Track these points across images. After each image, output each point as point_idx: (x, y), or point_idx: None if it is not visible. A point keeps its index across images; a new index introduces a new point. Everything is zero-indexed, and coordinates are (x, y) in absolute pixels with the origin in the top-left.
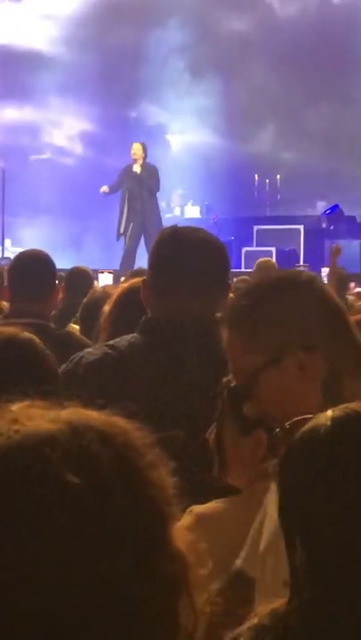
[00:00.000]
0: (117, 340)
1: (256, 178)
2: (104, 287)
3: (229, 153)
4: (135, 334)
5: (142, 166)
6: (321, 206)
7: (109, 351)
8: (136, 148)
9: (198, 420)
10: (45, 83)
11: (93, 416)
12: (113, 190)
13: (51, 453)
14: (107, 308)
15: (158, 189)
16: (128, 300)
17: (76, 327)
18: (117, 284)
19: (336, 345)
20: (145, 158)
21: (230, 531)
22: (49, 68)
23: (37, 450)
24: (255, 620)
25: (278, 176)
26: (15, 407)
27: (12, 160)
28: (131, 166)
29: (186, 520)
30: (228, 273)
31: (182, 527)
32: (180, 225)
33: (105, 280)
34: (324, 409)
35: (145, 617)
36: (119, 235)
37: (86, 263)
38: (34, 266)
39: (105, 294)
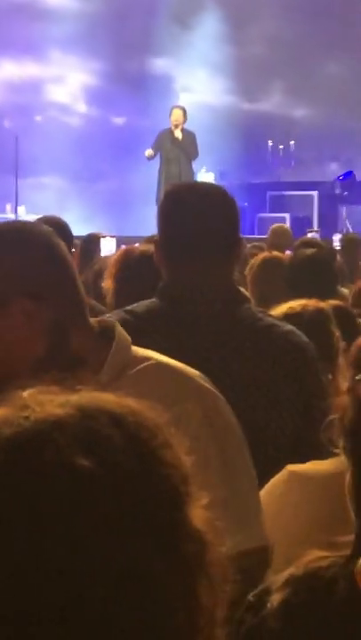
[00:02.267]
0: (135, 305)
1: (270, 144)
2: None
3: (241, 113)
4: (153, 299)
5: (183, 131)
6: (336, 168)
7: (127, 317)
8: (177, 114)
9: (218, 379)
10: (45, 34)
11: (104, 398)
12: (155, 151)
13: (60, 438)
14: (107, 283)
15: (197, 156)
16: (126, 272)
17: None
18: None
19: (61, 296)
20: (184, 123)
21: (321, 491)
22: (49, 18)
23: (47, 436)
24: (293, 571)
25: (292, 142)
26: (26, 393)
27: (15, 119)
28: (170, 131)
29: (279, 476)
30: (238, 230)
31: (273, 481)
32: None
33: (107, 245)
34: (50, 354)
35: (165, 598)
36: (158, 201)
37: (100, 228)
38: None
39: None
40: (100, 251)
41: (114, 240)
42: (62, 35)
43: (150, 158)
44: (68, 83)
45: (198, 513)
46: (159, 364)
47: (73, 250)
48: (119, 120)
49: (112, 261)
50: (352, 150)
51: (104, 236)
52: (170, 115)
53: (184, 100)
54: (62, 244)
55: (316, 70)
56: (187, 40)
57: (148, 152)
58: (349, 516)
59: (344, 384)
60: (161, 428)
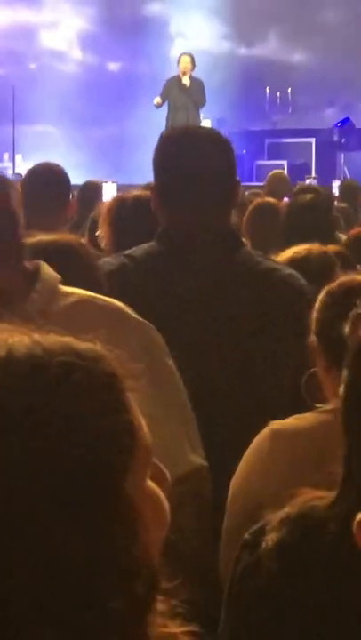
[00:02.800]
0: (134, 249)
1: (267, 91)
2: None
3: (238, 59)
4: (152, 243)
5: (190, 78)
6: (333, 114)
7: (126, 261)
8: (186, 61)
9: (218, 323)
10: None
11: (60, 343)
12: (163, 99)
13: (5, 380)
14: (101, 230)
15: (205, 103)
16: (119, 218)
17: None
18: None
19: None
20: (192, 70)
21: (305, 447)
22: None
23: None
24: (288, 511)
25: (290, 89)
26: None
27: (9, 67)
28: (177, 78)
29: (262, 434)
30: (235, 172)
31: (257, 440)
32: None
33: (110, 191)
34: None
35: (103, 557)
36: None
37: (97, 175)
38: (45, 179)
39: None
40: (101, 197)
41: (115, 185)
42: None
43: (158, 106)
44: (62, 29)
45: (140, 484)
46: (86, 299)
47: (71, 196)
48: (115, 66)
49: (105, 208)
50: (350, 96)
51: (105, 182)
52: (178, 62)
53: (180, 45)
54: (7, 194)
55: (314, 15)
56: None
57: (157, 100)
58: (334, 469)
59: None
60: (115, 385)
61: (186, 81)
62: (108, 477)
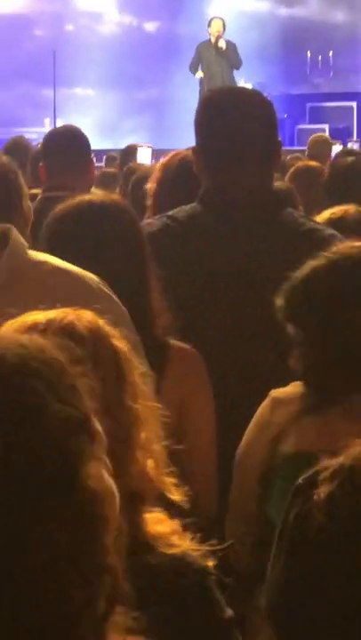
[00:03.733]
0: (177, 210)
1: (308, 54)
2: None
3: (278, 20)
4: (194, 204)
5: (225, 41)
6: None
7: (169, 222)
8: (218, 25)
9: (261, 283)
10: None
11: (15, 339)
12: (196, 66)
13: None
14: (150, 186)
15: (241, 64)
16: (171, 175)
17: None
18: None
19: None
20: (223, 33)
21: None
22: None
23: None
24: (341, 462)
25: (331, 52)
26: None
27: (46, 29)
28: (210, 42)
29: (264, 403)
30: (276, 133)
31: (260, 410)
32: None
33: (143, 155)
34: None
35: (64, 553)
36: None
37: (137, 138)
38: (65, 141)
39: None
40: (135, 161)
41: (149, 150)
42: None
43: (201, 75)
44: None
45: (95, 470)
46: (62, 270)
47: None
48: (152, 26)
49: (158, 165)
50: None
51: (141, 146)
52: (208, 26)
53: (218, 5)
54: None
55: None
56: None
57: (199, 74)
58: None
59: None
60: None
61: (222, 43)
62: (66, 465)
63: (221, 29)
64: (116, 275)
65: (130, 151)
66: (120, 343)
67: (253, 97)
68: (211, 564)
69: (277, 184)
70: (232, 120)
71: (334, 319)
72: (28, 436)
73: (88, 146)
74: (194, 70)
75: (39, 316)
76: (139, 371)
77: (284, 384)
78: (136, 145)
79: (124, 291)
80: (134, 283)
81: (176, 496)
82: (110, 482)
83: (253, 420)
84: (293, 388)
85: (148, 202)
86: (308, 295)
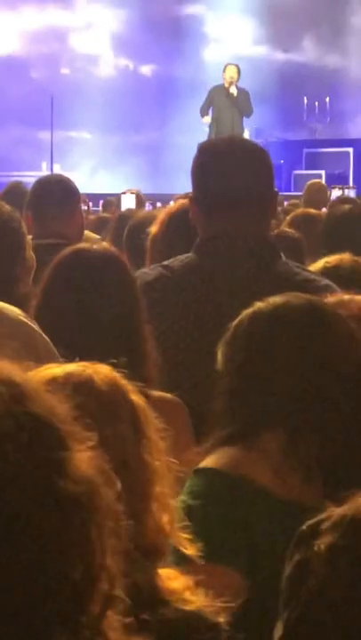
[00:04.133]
0: (172, 260)
1: (305, 100)
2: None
3: (274, 65)
4: (190, 254)
5: (237, 88)
6: None
7: (164, 272)
8: (232, 71)
9: None
10: None
11: None
12: (207, 109)
13: None
14: (153, 229)
15: (252, 113)
16: (176, 222)
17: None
18: (140, 206)
19: None
20: (238, 81)
21: None
22: None
23: None
24: (344, 512)
25: (328, 98)
26: None
27: (43, 71)
28: (223, 87)
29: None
30: (273, 182)
31: None
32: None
33: (127, 201)
34: None
35: (58, 546)
36: None
37: (133, 184)
38: (52, 188)
39: (144, 217)
40: (120, 207)
41: (133, 196)
42: None
43: (207, 123)
44: (94, 31)
45: (84, 455)
46: None
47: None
48: (149, 69)
49: (166, 211)
50: None
51: (124, 193)
52: (223, 71)
53: (215, 50)
54: None
55: (350, 17)
56: None
57: (206, 119)
58: None
59: None
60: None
61: (233, 90)
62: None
63: (235, 75)
64: (111, 326)
65: (111, 201)
66: (137, 398)
67: (251, 148)
68: (223, 620)
69: (288, 232)
70: (229, 170)
71: (250, 364)
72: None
73: (75, 193)
74: (203, 113)
75: (57, 370)
76: (155, 425)
77: None
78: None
79: (120, 340)
80: (130, 332)
81: (190, 551)
82: (106, 470)
83: None
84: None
85: (148, 245)
86: (232, 342)
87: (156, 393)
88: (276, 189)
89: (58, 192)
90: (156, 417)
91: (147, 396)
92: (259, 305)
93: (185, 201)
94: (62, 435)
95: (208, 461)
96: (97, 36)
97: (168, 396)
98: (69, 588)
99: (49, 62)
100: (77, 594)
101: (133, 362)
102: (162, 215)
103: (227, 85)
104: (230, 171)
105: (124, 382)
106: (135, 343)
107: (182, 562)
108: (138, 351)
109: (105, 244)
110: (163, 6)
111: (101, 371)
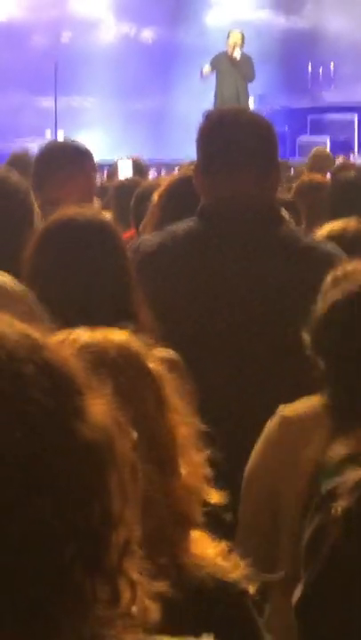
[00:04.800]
0: (175, 226)
1: (309, 67)
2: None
3: (278, 32)
4: (194, 218)
5: (241, 53)
6: None
7: (166, 240)
8: (236, 36)
9: (258, 300)
10: None
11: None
12: (211, 72)
13: None
14: (155, 196)
15: (254, 77)
16: (178, 191)
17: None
18: (139, 173)
19: None
20: (242, 47)
21: (314, 430)
22: None
23: None
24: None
25: (332, 64)
26: None
27: (43, 37)
28: (226, 53)
29: (272, 422)
30: (277, 152)
31: (268, 429)
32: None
33: (125, 168)
34: None
35: (77, 491)
36: None
37: (138, 150)
38: (52, 150)
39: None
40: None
41: (130, 162)
42: None
43: (206, 75)
44: None
45: (100, 406)
46: None
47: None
48: (151, 35)
49: (168, 180)
50: None
51: (121, 158)
52: (227, 37)
53: (216, 15)
54: None
55: None
56: None
57: (206, 69)
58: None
59: None
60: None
61: (237, 53)
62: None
63: (239, 41)
64: (100, 290)
65: (114, 169)
66: (154, 364)
67: (256, 118)
68: (252, 588)
69: (283, 197)
70: (233, 139)
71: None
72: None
73: (83, 158)
74: (209, 68)
75: (74, 337)
76: (172, 386)
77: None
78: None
79: (109, 305)
80: (120, 298)
81: (216, 497)
82: (122, 421)
83: (262, 438)
84: (303, 406)
85: (149, 213)
86: (330, 329)
87: (158, 352)
88: (279, 161)
89: (59, 155)
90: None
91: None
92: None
93: (188, 170)
94: (78, 383)
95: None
96: (97, 1)
97: (168, 354)
98: (89, 532)
99: (49, 28)
100: (97, 538)
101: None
102: (164, 184)
103: (230, 51)
104: (235, 138)
105: (139, 350)
106: (128, 308)
107: (216, 526)
108: (131, 316)
109: (94, 210)
110: None
111: (115, 340)
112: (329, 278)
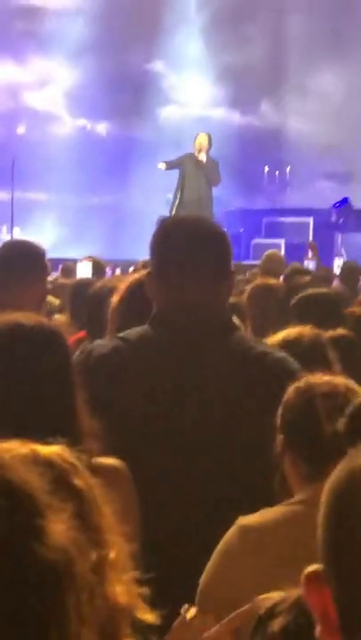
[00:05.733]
0: (128, 331)
1: (266, 169)
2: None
3: (234, 129)
4: (146, 326)
5: (207, 156)
6: (330, 186)
7: (120, 343)
8: (202, 138)
9: (210, 407)
10: (24, 32)
11: None
12: (170, 167)
13: None
14: (114, 300)
15: (219, 181)
16: (136, 293)
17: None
18: (98, 273)
19: None
20: (208, 150)
21: (276, 547)
22: (28, 14)
23: None
24: (299, 594)
25: (288, 168)
26: None
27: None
28: (192, 155)
29: (231, 532)
30: (230, 261)
31: (226, 539)
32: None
33: (83, 270)
34: None
35: (35, 613)
36: None
37: (95, 251)
38: (15, 257)
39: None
40: (75, 275)
41: (90, 264)
42: (43, 34)
43: (163, 168)
44: (50, 89)
45: (60, 526)
46: None
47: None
48: (107, 129)
49: (126, 282)
50: (349, 166)
51: (80, 261)
52: (194, 139)
53: (172, 111)
54: None
55: (310, 81)
56: (172, 43)
57: (161, 164)
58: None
59: None
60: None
61: (202, 157)
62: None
63: (205, 144)
64: (40, 398)
65: (69, 266)
66: (85, 475)
67: (210, 226)
68: None
69: (236, 299)
70: (188, 246)
71: None
72: None
73: (38, 262)
74: (165, 166)
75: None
76: (103, 499)
77: (231, 507)
78: (74, 262)
79: (49, 414)
80: (60, 407)
81: (149, 617)
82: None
83: (220, 549)
84: (262, 516)
85: (109, 316)
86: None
87: (99, 460)
88: (232, 270)
89: (18, 261)
90: (102, 487)
91: (89, 466)
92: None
93: (142, 272)
94: (39, 503)
95: None
96: (52, 94)
97: (111, 461)
98: None
99: (5, 120)
100: None
101: (71, 436)
102: (122, 286)
103: (196, 153)
104: (189, 246)
105: (66, 463)
106: (70, 419)
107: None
108: (73, 424)
109: (37, 317)
110: (120, 64)
111: (41, 452)
112: (291, 389)
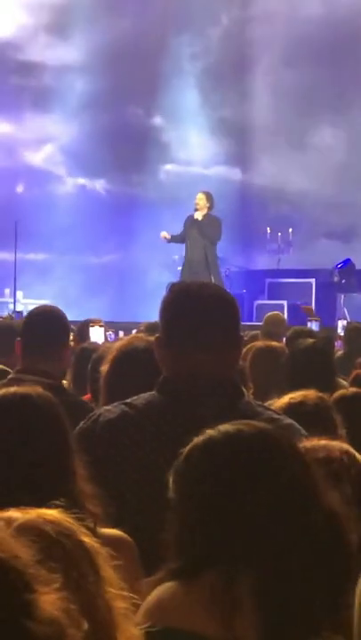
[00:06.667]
0: (135, 397)
1: (268, 231)
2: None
3: (236, 187)
4: (153, 392)
5: (205, 215)
6: (333, 244)
7: (127, 409)
8: (199, 197)
9: None
10: (21, 88)
11: None
12: (175, 240)
13: None
14: (104, 368)
15: (217, 238)
16: (125, 359)
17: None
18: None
19: None
20: (210, 208)
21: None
22: (23, 69)
23: None
24: None
25: (291, 229)
26: None
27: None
28: (193, 214)
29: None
30: (239, 327)
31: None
32: (188, 280)
33: (96, 334)
34: None
35: None
36: None
37: (99, 312)
38: (46, 323)
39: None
40: (89, 339)
41: (102, 329)
42: (39, 92)
43: (166, 241)
44: (48, 147)
45: (50, 598)
46: None
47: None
48: (108, 187)
49: (115, 348)
50: (351, 223)
51: (92, 325)
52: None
53: (171, 169)
54: None
55: (309, 137)
56: (173, 99)
57: (163, 234)
58: None
59: None
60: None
61: (198, 215)
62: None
63: (201, 203)
64: (38, 465)
65: (83, 329)
66: (88, 538)
67: (219, 291)
68: None
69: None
70: (197, 313)
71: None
72: None
73: (66, 327)
74: (169, 237)
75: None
76: (106, 560)
77: None
78: (90, 321)
79: (47, 481)
80: (57, 473)
81: None
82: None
83: None
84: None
85: (101, 383)
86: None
87: (105, 530)
88: (241, 336)
89: (50, 329)
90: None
91: (95, 535)
92: (210, 433)
93: (132, 338)
94: (27, 578)
95: (150, 597)
96: (51, 152)
97: (116, 532)
98: None
99: (3, 179)
100: None
101: (71, 501)
102: (111, 354)
103: (195, 213)
104: (198, 314)
105: (71, 525)
106: (68, 485)
107: None
108: (72, 490)
109: (37, 388)
110: (119, 119)
111: (47, 516)
112: None
